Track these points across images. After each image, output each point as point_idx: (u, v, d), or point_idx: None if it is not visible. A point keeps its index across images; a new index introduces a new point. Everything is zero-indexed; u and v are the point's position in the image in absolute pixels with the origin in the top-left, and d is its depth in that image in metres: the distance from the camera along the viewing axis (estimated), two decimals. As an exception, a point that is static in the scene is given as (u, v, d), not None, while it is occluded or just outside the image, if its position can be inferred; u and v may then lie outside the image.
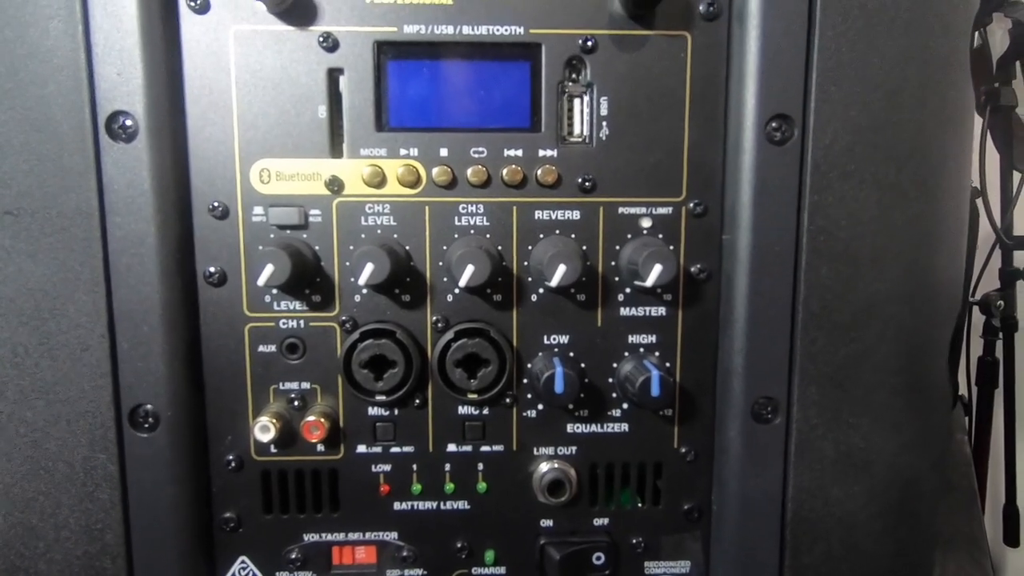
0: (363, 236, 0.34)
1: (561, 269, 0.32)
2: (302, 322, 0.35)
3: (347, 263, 0.34)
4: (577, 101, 0.34)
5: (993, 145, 1.06)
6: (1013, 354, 1.24)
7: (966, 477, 0.93)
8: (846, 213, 0.33)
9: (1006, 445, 1.29)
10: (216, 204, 0.34)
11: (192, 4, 0.32)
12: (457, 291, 0.34)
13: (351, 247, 0.34)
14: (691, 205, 0.35)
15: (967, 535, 0.80)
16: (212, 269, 0.34)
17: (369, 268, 0.31)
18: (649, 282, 0.32)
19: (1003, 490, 1.32)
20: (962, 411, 1.12)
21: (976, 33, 1.01)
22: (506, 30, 0.33)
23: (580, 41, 0.33)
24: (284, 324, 0.35)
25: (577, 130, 0.34)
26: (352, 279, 0.33)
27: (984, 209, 0.97)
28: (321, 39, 0.33)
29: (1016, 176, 1.04)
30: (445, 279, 0.35)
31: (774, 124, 0.33)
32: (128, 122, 0.31)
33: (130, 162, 0.32)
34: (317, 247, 0.34)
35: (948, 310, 0.35)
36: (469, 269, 0.32)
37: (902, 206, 0.33)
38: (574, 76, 0.34)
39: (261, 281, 0.31)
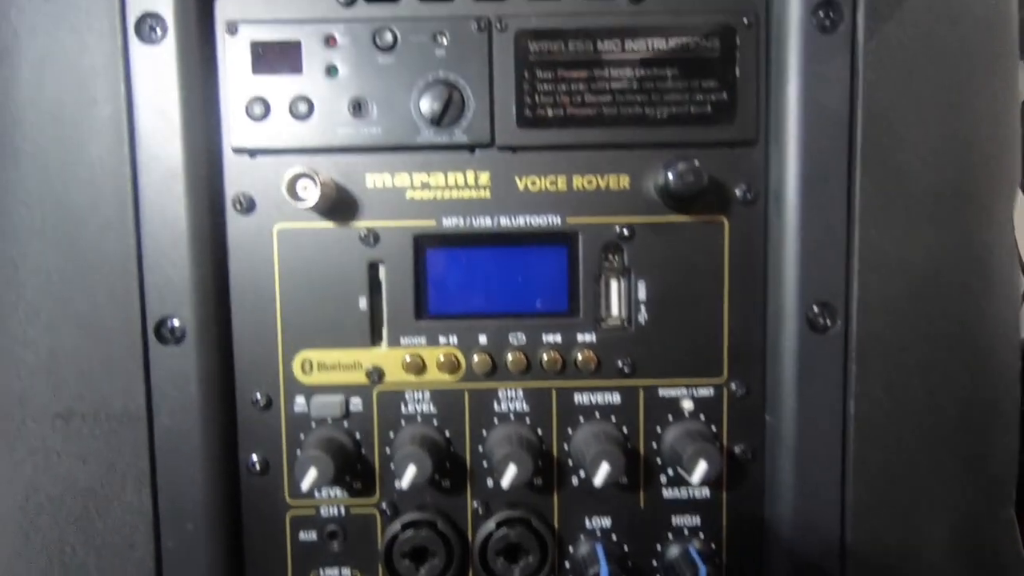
0: (403, 424, 0.34)
1: (604, 469, 0.31)
2: (343, 509, 0.35)
3: (387, 449, 0.34)
4: (614, 284, 0.34)
5: None
6: None
7: None
8: (891, 400, 0.32)
9: None
10: (259, 396, 0.34)
11: (238, 206, 0.33)
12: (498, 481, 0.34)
13: (391, 434, 0.34)
14: (733, 386, 0.34)
15: None
16: (255, 459, 0.34)
17: (412, 471, 0.31)
18: (695, 480, 0.31)
19: None
20: None
21: None
22: (543, 220, 0.34)
23: (617, 229, 0.34)
24: (325, 512, 0.35)
25: (615, 313, 0.34)
26: (393, 469, 0.33)
27: None
28: (362, 235, 0.33)
29: None
30: (485, 463, 0.34)
31: (815, 310, 0.33)
32: (176, 324, 0.32)
33: (178, 365, 0.32)
34: (357, 435, 0.34)
35: (1003, 485, 0.34)
36: (512, 470, 0.31)
37: (949, 388, 0.33)
38: (612, 261, 0.34)
39: (305, 486, 0.31)
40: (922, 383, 0.33)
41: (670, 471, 0.35)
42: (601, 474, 0.31)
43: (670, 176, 0.31)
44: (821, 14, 0.31)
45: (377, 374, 0.34)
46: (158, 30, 0.31)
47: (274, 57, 0.32)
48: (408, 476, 0.31)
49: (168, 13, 0.31)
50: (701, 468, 0.31)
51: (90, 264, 0.32)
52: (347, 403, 0.34)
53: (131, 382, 0.32)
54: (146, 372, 0.32)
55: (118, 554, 0.33)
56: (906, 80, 0.32)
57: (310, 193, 0.31)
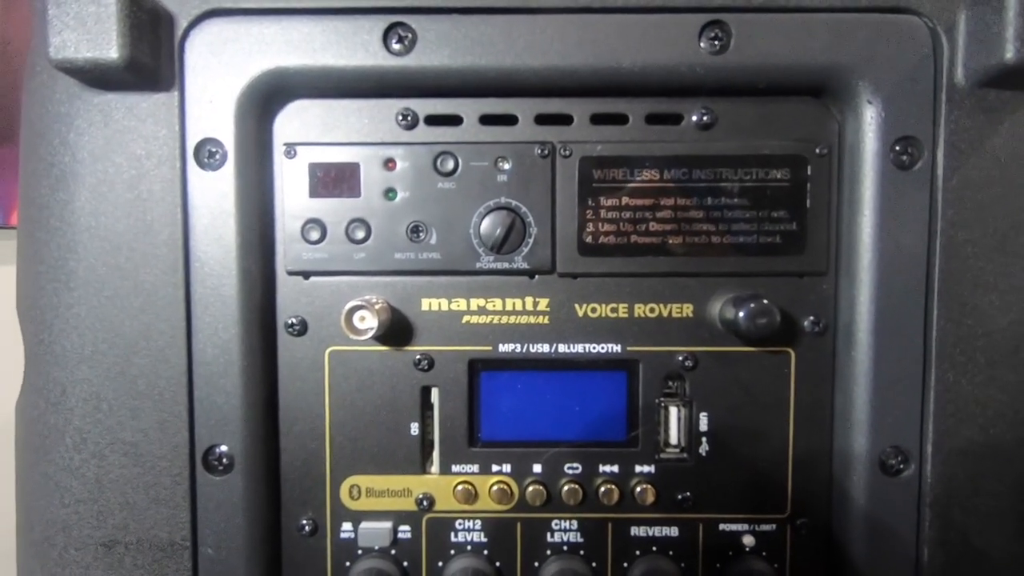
0: (452, 554, 0.33)
1: (665, 617, 0.30)
2: None
3: None
4: (675, 414, 0.33)
5: None
6: None
7: None
8: (968, 551, 0.31)
9: None
10: (305, 522, 0.33)
11: (291, 330, 0.32)
12: None
13: (440, 564, 0.33)
14: (797, 523, 0.33)
15: None
16: None
17: (464, 610, 0.30)
18: (759, 629, 0.30)
19: None
20: None
21: None
22: (603, 348, 0.33)
23: (680, 359, 0.32)
24: None
25: (674, 442, 0.33)
26: (442, 603, 0.32)
27: None
28: (416, 359, 0.33)
29: None
30: (538, 599, 0.33)
31: (889, 452, 0.31)
32: (224, 450, 0.31)
33: (225, 494, 0.31)
34: (405, 564, 0.33)
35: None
36: (568, 614, 0.30)
37: (1031, 542, 0.31)
38: (673, 389, 0.33)
39: (353, 629, 0.30)
40: (999, 530, 0.31)
41: (730, 610, 0.33)
42: (662, 623, 0.30)
43: (740, 315, 0.30)
44: (899, 148, 0.30)
45: (427, 501, 0.33)
46: (217, 155, 0.30)
47: (332, 180, 0.32)
48: (461, 619, 0.30)
49: (228, 138, 0.30)
50: (767, 619, 0.30)
51: (140, 391, 0.31)
52: (395, 530, 0.33)
53: (177, 512, 0.31)
54: (192, 502, 0.31)
55: None
56: (986, 219, 0.30)
57: (368, 323, 0.30)
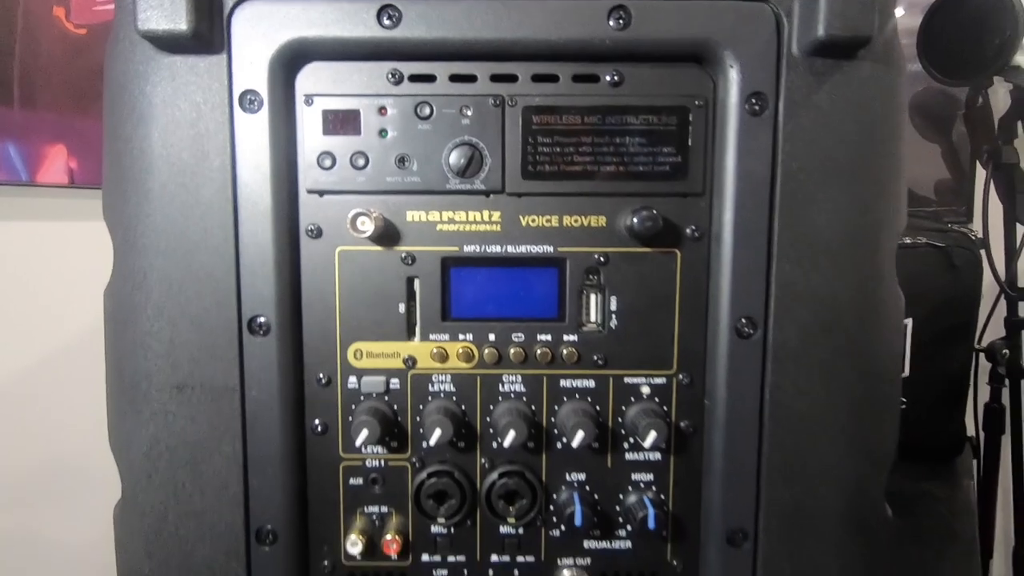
0: (430, 399, 0.45)
1: (580, 435, 0.42)
2: (383, 462, 0.46)
3: (418, 419, 0.45)
4: (593, 298, 0.45)
5: (998, 198, 1.13)
6: (1021, 400, 1.30)
7: (969, 526, 1.00)
8: (797, 392, 0.43)
9: (1015, 488, 1.35)
10: (322, 376, 0.45)
11: (310, 234, 0.44)
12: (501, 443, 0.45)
13: (421, 407, 0.45)
14: (680, 377, 0.45)
15: None
16: (317, 423, 0.45)
17: (438, 432, 0.42)
18: (647, 445, 0.42)
19: (1012, 533, 1.38)
20: (970, 454, 1.19)
21: (979, 93, 1.10)
22: (540, 249, 0.44)
23: (596, 256, 0.44)
24: (369, 464, 0.46)
25: (593, 319, 0.45)
26: (422, 432, 0.44)
27: (988, 261, 1.04)
28: (403, 256, 0.44)
29: (1020, 229, 1.11)
30: (492, 431, 0.45)
31: (742, 322, 0.43)
32: (263, 322, 0.43)
33: (264, 351, 0.43)
34: (395, 407, 0.45)
35: (883, 463, 0.45)
36: (511, 434, 0.42)
37: (841, 386, 0.43)
38: (591, 280, 0.45)
39: (358, 443, 0.42)
40: (821, 380, 0.43)
41: (631, 440, 0.46)
42: (577, 439, 0.42)
43: (635, 221, 0.42)
44: (752, 101, 0.42)
45: (411, 361, 0.45)
46: (256, 102, 0.41)
47: (339, 122, 0.43)
48: (434, 437, 0.42)
49: (263, 89, 0.41)
50: (651, 436, 0.42)
51: (200, 276, 0.42)
52: (388, 382, 0.45)
53: (229, 364, 0.43)
54: (240, 357, 0.43)
55: (217, 490, 0.44)
56: (814, 153, 0.42)
57: (366, 227, 0.42)
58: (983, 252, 0.99)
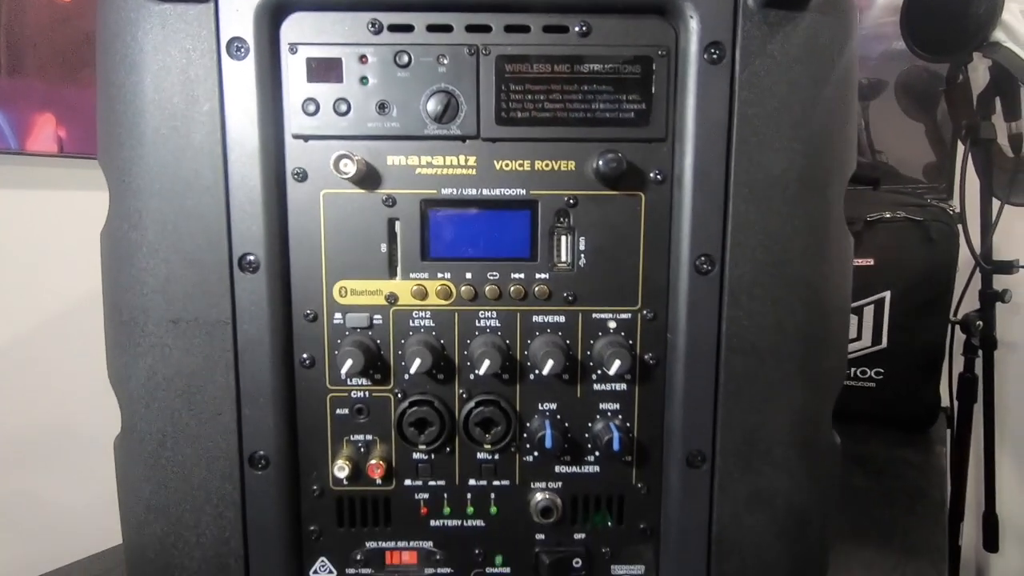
0: (411, 334, 0.48)
1: (550, 363, 0.46)
2: (367, 393, 0.49)
3: (400, 353, 0.48)
4: (564, 239, 0.48)
5: (975, 174, 1.17)
6: (993, 371, 1.36)
7: (938, 488, 1.05)
8: (751, 324, 0.47)
9: (986, 456, 1.41)
10: (309, 312, 0.48)
11: (296, 177, 0.46)
12: (477, 374, 0.48)
13: (403, 341, 0.48)
14: (644, 313, 0.48)
15: (931, 542, 0.90)
16: (305, 356, 0.48)
17: (418, 361, 0.46)
18: (611, 372, 0.46)
19: (983, 499, 1.44)
20: (944, 423, 1.24)
21: (959, 70, 1.13)
22: (513, 192, 0.47)
23: (566, 199, 0.47)
24: (355, 395, 0.49)
25: (564, 259, 0.48)
26: (404, 365, 0.47)
27: (964, 235, 1.08)
28: (384, 198, 0.47)
29: (995, 203, 1.15)
30: (469, 364, 0.48)
31: (701, 259, 0.46)
32: (253, 259, 0.46)
33: (254, 287, 0.46)
34: (378, 341, 0.48)
35: (830, 390, 0.49)
36: (486, 362, 0.46)
37: (792, 318, 0.47)
38: (561, 221, 0.48)
39: (343, 372, 0.45)
40: (773, 313, 0.47)
41: (599, 371, 0.49)
42: (547, 367, 0.46)
43: (601, 163, 0.45)
44: (711, 51, 0.44)
45: (393, 298, 0.48)
46: (242, 49, 0.44)
47: (323, 69, 0.45)
48: (415, 366, 0.45)
49: (250, 38, 0.43)
50: (616, 364, 0.46)
51: (193, 216, 0.45)
52: (371, 318, 0.48)
53: (221, 300, 0.46)
54: (232, 293, 0.46)
55: (211, 418, 0.47)
56: (769, 99, 0.45)
57: (349, 168, 0.44)
58: (960, 226, 1.02)
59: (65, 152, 0.98)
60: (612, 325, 0.49)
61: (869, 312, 1.05)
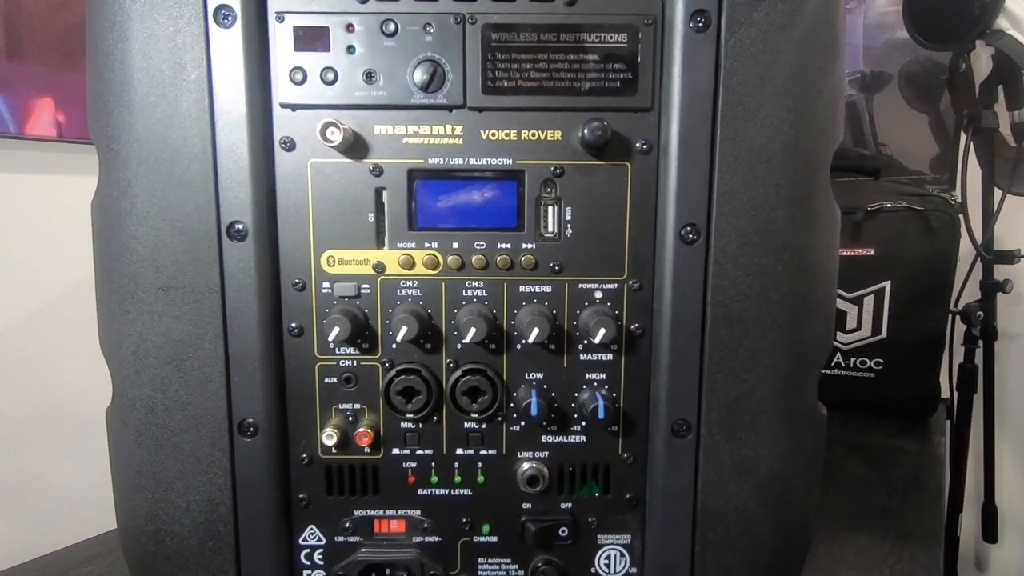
0: (398, 303, 0.48)
1: (535, 331, 0.46)
2: (355, 362, 0.49)
3: (387, 322, 0.49)
4: (550, 209, 0.48)
5: (977, 163, 1.16)
6: (993, 362, 1.36)
7: (936, 477, 1.05)
8: (736, 293, 0.47)
9: (985, 446, 1.41)
10: (297, 281, 0.48)
11: (283, 146, 0.46)
12: (464, 343, 0.48)
13: (390, 310, 0.49)
14: (630, 283, 0.49)
15: (927, 529, 0.90)
16: (294, 325, 0.48)
17: (404, 329, 0.46)
18: (596, 340, 0.46)
19: (983, 490, 1.44)
20: (944, 414, 1.24)
21: (961, 58, 1.13)
22: (499, 162, 0.47)
23: (552, 169, 0.47)
24: (343, 364, 0.49)
25: (550, 229, 0.48)
26: (391, 334, 0.48)
27: (965, 224, 1.08)
28: (371, 168, 0.47)
29: (997, 193, 1.14)
30: (456, 333, 0.49)
31: (687, 229, 0.47)
32: (241, 227, 0.46)
33: (242, 255, 0.46)
34: (366, 311, 0.49)
35: (816, 359, 0.49)
36: (472, 330, 0.46)
37: (777, 287, 0.47)
38: (548, 191, 0.48)
39: (331, 339, 0.46)
40: (758, 282, 0.47)
41: (585, 341, 0.49)
42: (533, 335, 0.46)
43: (586, 131, 0.45)
44: (696, 19, 0.44)
45: (380, 268, 0.48)
46: (229, 17, 0.44)
47: (310, 38, 0.45)
48: (401, 333, 0.46)
49: (237, 5, 0.44)
50: (601, 332, 0.46)
51: (182, 183, 0.45)
52: (359, 287, 0.48)
53: (210, 267, 0.46)
54: (220, 260, 0.46)
55: (200, 385, 0.47)
56: (754, 68, 0.45)
57: (335, 136, 0.45)
58: (961, 216, 1.02)
59: (64, 136, 0.98)
60: (598, 295, 0.49)
61: (869, 302, 1.05)
